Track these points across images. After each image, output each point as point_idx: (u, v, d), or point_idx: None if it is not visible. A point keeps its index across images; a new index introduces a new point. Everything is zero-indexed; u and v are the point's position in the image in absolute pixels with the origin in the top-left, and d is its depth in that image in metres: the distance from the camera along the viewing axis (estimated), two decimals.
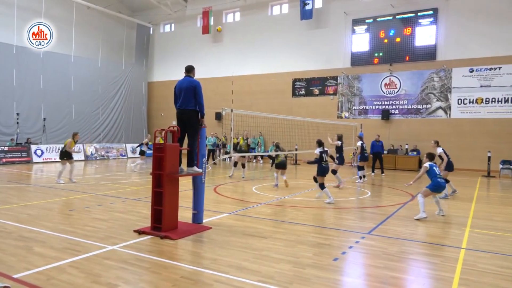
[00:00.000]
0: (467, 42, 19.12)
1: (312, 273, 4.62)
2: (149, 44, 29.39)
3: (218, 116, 24.55)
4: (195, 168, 6.80)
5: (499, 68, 18.52)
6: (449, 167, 10.76)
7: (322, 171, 9.54)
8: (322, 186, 9.47)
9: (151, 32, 29.60)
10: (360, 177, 13.89)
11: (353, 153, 16.42)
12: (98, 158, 22.89)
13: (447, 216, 8.27)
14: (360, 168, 14.03)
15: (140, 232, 6.21)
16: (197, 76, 7.33)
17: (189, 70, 6.95)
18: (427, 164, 8.10)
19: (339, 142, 12.34)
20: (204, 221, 7.09)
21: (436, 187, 7.89)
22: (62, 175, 12.09)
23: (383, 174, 16.78)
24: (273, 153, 12.17)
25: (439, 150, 10.78)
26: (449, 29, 19.64)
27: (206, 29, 26.12)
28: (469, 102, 19.25)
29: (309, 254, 5.36)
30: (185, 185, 9.64)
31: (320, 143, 9.82)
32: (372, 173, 16.93)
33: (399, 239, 6.31)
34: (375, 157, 16.99)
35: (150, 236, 6.04)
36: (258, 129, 18.61)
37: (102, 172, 16.10)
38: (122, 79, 27.19)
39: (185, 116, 6.69)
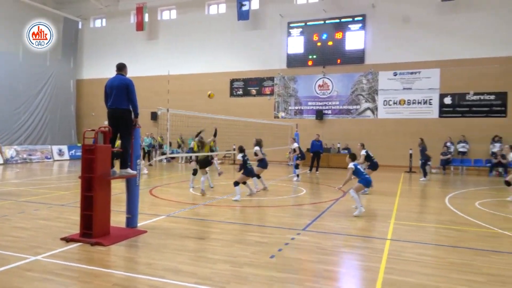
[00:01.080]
0: (391, 47, 20.61)
1: (249, 272, 4.67)
2: (77, 40, 27.60)
3: (154, 116, 23.84)
4: (129, 170, 6.53)
5: (419, 72, 20.20)
6: (374, 166, 11.56)
7: (248, 172, 10.21)
8: (236, 183, 9.86)
9: (80, 27, 27.85)
10: (298, 175, 14.34)
11: (289, 152, 16.83)
12: (19, 161, 21.03)
13: (374, 210, 8.84)
14: (298, 167, 14.50)
15: (68, 240, 5.82)
16: (132, 74, 7.07)
17: (121, 68, 6.66)
18: (351, 165, 8.37)
19: (257, 148, 11.39)
20: (139, 224, 6.83)
21: (367, 182, 8.40)
22: None
23: (317, 172, 17.49)
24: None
25: (363, 153, 11.54)
26: (376, 35, 21.01)
27: (140, 26, 25.22)
28: (393, 103, 20.77)
29: (246, 253, 5.41)
30: (119, 188, 9.23)
31: (241, 149, 10.53)
32: (309, 171, 17.55)
33: (331, 233, 6.62)
34: (315, 155, 17.82)
35: (79, 244, 5.68)
36: (196, 129, 18.38)
37: (24, 177, 14.81)
38: (46, 76, 25.19)
39: (117, 116, 6.40)
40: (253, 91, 23.68)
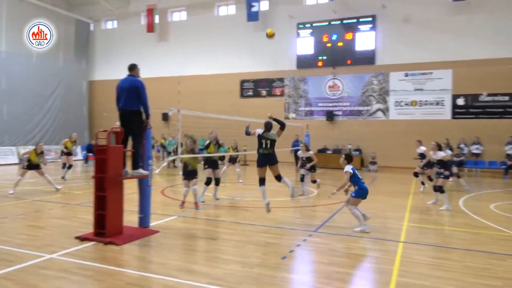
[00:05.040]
0: (402, 48, 20.41)
1: (261, 273, 4.66)
2: (89, 41, 27.93)
3: (165, 117, 24.00)
4: (140, 171, 6.58)
5: (431, 73, 19.98)
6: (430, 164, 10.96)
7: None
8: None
9: (92, 29, 28.17)
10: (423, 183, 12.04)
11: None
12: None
13: (387, 212, 8.76)
14: (418, 175, 12.05)
15: (82, 239, 5.89)
16: (143, 75, 7.11)
17: (132, 68, 6.72)
18: (349, 169, 7.05)
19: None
20: (151, 224, 6.88)
21: (363, 192, 6.97)
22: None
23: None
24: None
25: (423, 149, 11.53)
26: (386, 36, 20.84)
27: (150, 27, 25.39)
28: (405, 104, 20.57)
29: (258, 253, 5.41)
30: (132, 187, 9.30)
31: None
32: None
33: (343, 235, 6.57)
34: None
35: (93, 243, 5.75)
36: (207, 130, 18.47)
37: (38, 176, 14.99)
38: (59, 77, 25.51)
39: (128, 117, 6.46)
40: (263, 92, 23.68)
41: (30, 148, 21.47)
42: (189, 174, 8.75)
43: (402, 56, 20.41)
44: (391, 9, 20.66)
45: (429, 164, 10.93)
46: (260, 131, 7.69)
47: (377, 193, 11.74)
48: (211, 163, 9.80)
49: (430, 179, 11.20)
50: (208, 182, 9.78)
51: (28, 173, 11.08)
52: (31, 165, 10.96)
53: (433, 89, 19.94)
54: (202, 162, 10.23)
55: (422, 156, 11.67)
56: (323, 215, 8.21)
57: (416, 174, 11.90)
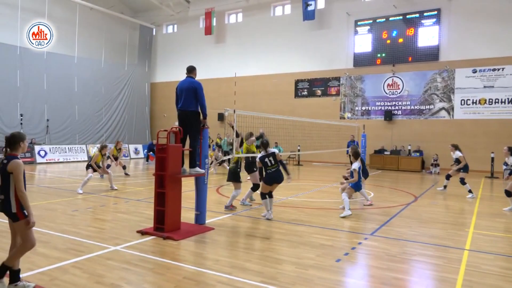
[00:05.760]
0: (470, 42, 19.07)
1: (315, 274, 4.61)
2: (151, 45, 29.44)
3: (221, 117, 24.59)
4: (197, 169, 6.81)
5: (502, 69, 18.45)
6: (466, 168, 11.26)
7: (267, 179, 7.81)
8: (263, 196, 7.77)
9: (154, 33, 29.66)
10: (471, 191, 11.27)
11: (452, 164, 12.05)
12: None
13: (450, 218, 8.25)
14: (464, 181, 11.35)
15: (143, 233, 6.22)
16: (200, 76, 7.34)
17: (190, 70, 6.97)
18: (356, 167, 8.44)
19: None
20: (206, 221, 7.09)
21: (357, 186, 8.60)
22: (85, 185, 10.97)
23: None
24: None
25: (458, 154, 11.20)
26: (452, 30, 19.59)
27: (208, 30, 26.16)
28: (472, 102, 19.20)
29: (312, 255, 5.35)
30: (188, 185, 9.65)
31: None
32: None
33: (402, 240, 6.29)
34: None
35: (153, 237, 6.05)
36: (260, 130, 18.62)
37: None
38: (125, 80, 27.24)
39: (186, 117, 6.71)
40: (318, 92, 23.37)
41: (97, 147, 23.18)
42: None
43: (470, 51, 19.08)
44: (458, 1, 19.40)
45: (465, 168, 11.21)
46: (259, 155, 7.89)
47: (439, 198, 11.09)
48: (251, 165, 8.85)
49: (462, 182, 11.12)
50: (255, 188, 8.77)
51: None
52: (96, 165, 11.62)
53: (506, 86, 18.44)
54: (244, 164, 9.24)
55: (458, 161, 11.33)
56: (379, 218, 7.91)
57: (448, 177, 11.78)
